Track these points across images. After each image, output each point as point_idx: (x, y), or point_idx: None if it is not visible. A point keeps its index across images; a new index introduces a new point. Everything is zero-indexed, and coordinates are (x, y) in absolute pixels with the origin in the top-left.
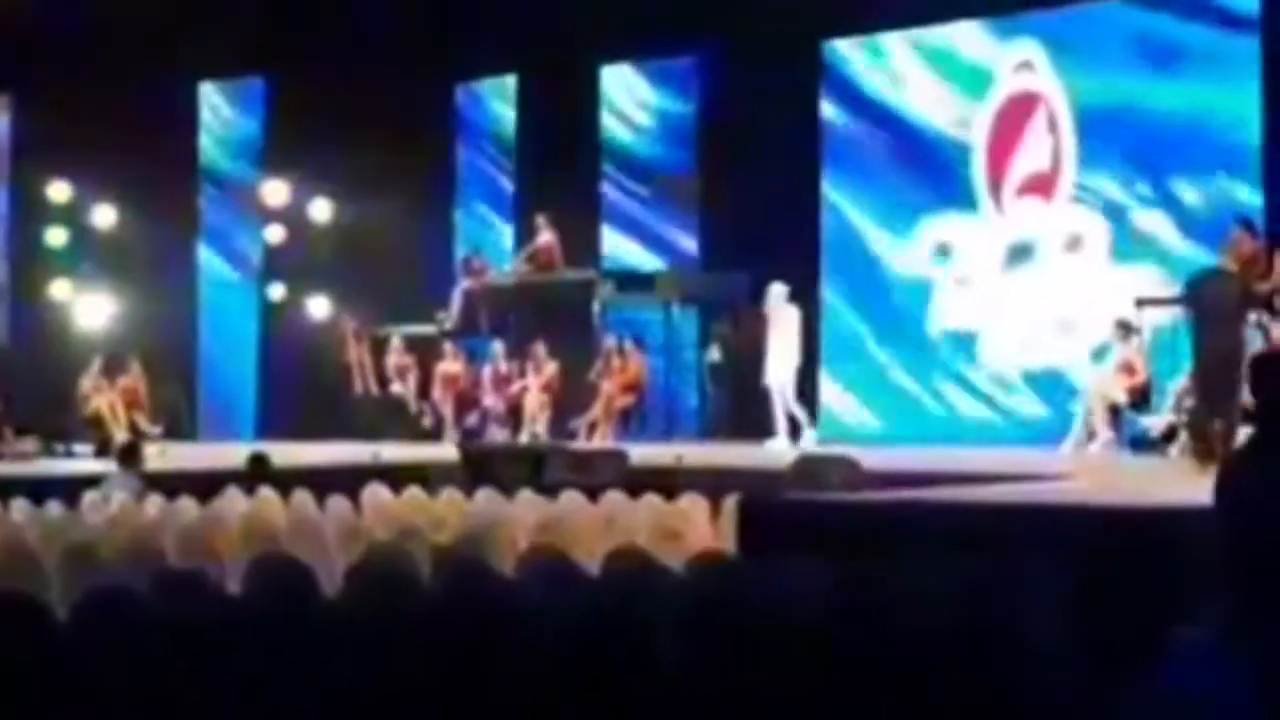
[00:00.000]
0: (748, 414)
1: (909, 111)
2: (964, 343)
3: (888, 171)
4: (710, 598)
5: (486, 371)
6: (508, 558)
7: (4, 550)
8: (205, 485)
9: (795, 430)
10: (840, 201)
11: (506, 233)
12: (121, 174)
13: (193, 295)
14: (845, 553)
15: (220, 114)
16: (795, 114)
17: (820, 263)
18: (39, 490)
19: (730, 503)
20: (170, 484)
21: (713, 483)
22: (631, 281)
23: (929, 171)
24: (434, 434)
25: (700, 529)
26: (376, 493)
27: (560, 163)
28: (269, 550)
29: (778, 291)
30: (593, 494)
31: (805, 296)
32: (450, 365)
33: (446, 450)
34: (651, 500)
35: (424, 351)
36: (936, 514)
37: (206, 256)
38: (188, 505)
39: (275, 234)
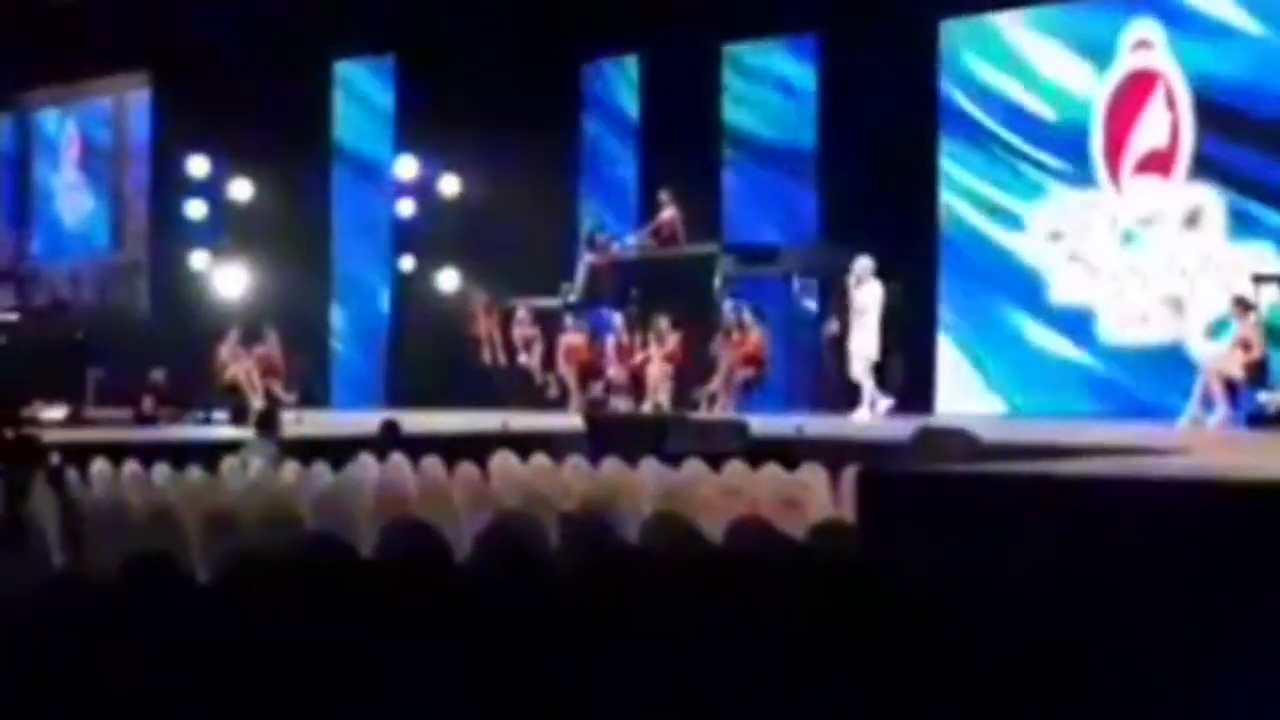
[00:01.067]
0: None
1: (1026, 90)
2: (1081, 319)
3: (1004, 149)
4: (832, 566)
5: (610, 343)
6: (632, 525)
7: (147, 514)
8: (339, 451)
9: (871, 402)
10: (957, 177)
11: (630, 208)
12: (258, 149)
13: (327, 266)
14: (963, 525)
15: (354, 91)
16: (913, 92)
17: (937, 239)
18: (180, 455)
19: (849, 473)
20: (306, 450)
21: (832, 453)
22: (753, 255)
23: (1046, 149)
24: (559, 403)
25: (820, 499)
26: (504, 460)
27: (682, 140)
28: (401, 515)
29: (863, 265)
30: (714, 463)
31: (921, 272)
32: (574, 337)
33: (571, 419)
34: (772, 470)
35: (549, 323)
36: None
37: (340, 229)
38: (323, 471)
39: (406, 208)
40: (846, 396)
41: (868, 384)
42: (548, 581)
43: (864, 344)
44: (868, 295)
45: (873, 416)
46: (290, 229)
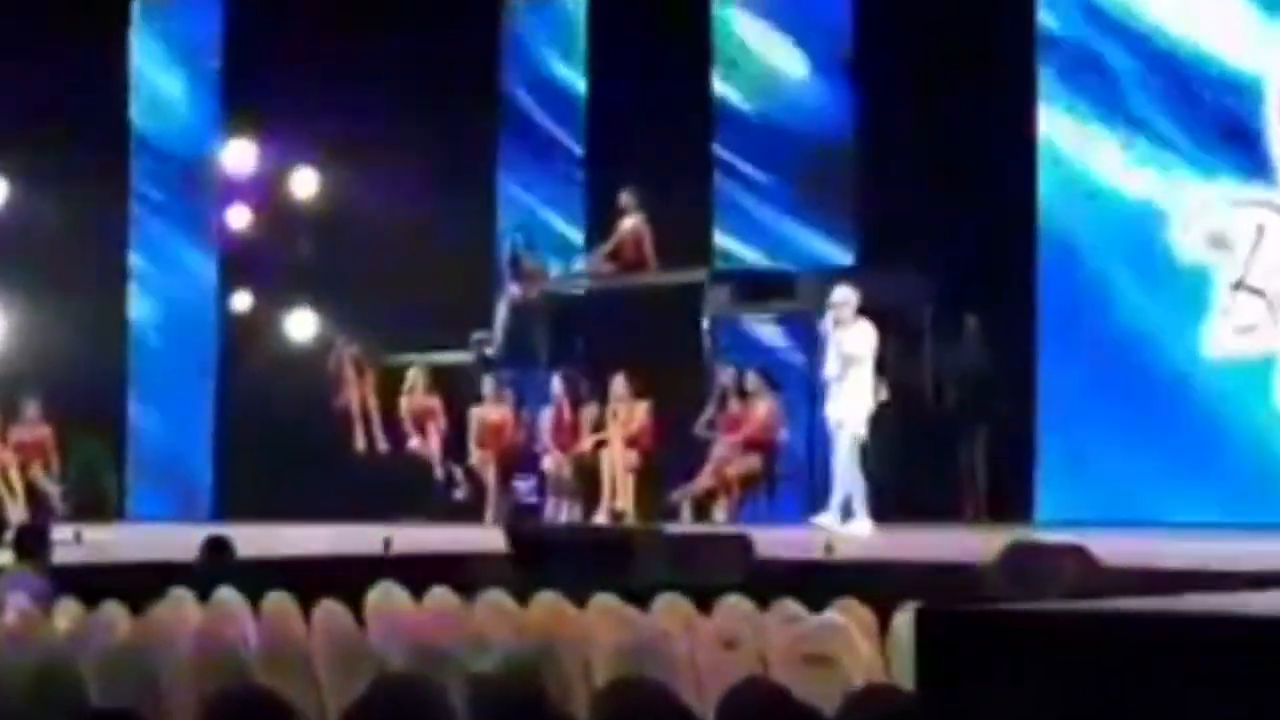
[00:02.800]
0: (931, 481)
1: (1169, 30)
2: (1251, 377)
3: (1138, 118)
4: None
5: (546, 419)
6: (579, 694)
7: None
8: (140, 586)
9: (846, 507)
10: (1066, 158)
11: (576, 216)
12: (18, 139)
13: (121, 307)
14: (1078, 688)
15: (157, 46)
16: (995, 33)
17: (1035, 260)
18: None
19: (905, 614)
20: (90, 584)
21: (880, 584)
22: (759, 286)
23: (1197, 119)
24: (470, 511)
25: (861, 652)
26: (388, 597)
27: (654, 119)
28: (232, 682)
29: (842, 296)
30: (704, 600)
31: (1012, 312)
32: (493, 410)
33: (489, 535)
34: (789, 609)
35: (455, 390)
36: (1208, 633)
37: (142, 251)
38: (115, 615)
39: (239, 218)
40: (902, 496)
41: (849, 477)
42: None
43: (848, 412)
44: (855, 341)
45: (843, 530)
46: (67, 251)
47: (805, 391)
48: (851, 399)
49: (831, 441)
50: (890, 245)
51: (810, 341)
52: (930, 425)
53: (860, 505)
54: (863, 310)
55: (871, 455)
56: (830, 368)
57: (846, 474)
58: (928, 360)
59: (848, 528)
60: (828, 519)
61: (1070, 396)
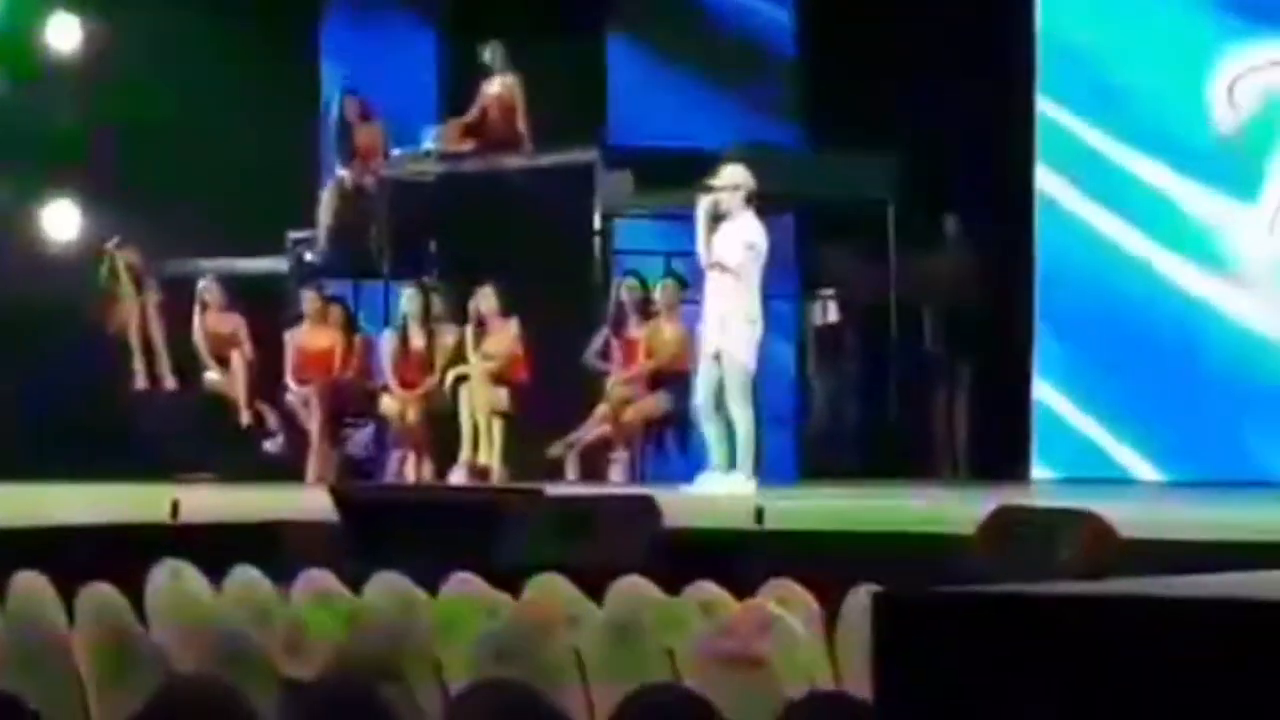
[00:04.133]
0: (896, 431)
1: None
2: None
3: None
4: None
5: (386, 346)
6: (428, 704)
7: None
8: None
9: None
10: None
11: (424, 77)
12: None
13: None
14: (1084, 692)
15: None
16: None
17: (1032, 141)
18: None
19: (859, 600)
20: None
21: (827, 562)
22: (669, 169)
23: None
24: (287, 466)
25: (801, 650)
26: (177, 579)
27: None
28: None
29: (729, 178)
30: (594, 583)
31: (1007, 222)
32: (317, 334)
33: (311, 497)
34: (707, 594)
35: (265, 308)
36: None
37: None
38: None
39: None
40: (851, 446)
41: (736, 416)
42: None
43: (728, 338)
44: (735, 242)
45: (723, 489)
46: None
47: None
48: (731, 320)
49: (707, 377)
50: (844, 120)
51: None
52: (896, 358)
53: (750, 457)
54: (800, 204)
55: (817, 394)
56: (708, 279)
57: (739, 418)
58: (892, 273)
59: (725, 484)
60: (713, 479)
61: (1076, 322)
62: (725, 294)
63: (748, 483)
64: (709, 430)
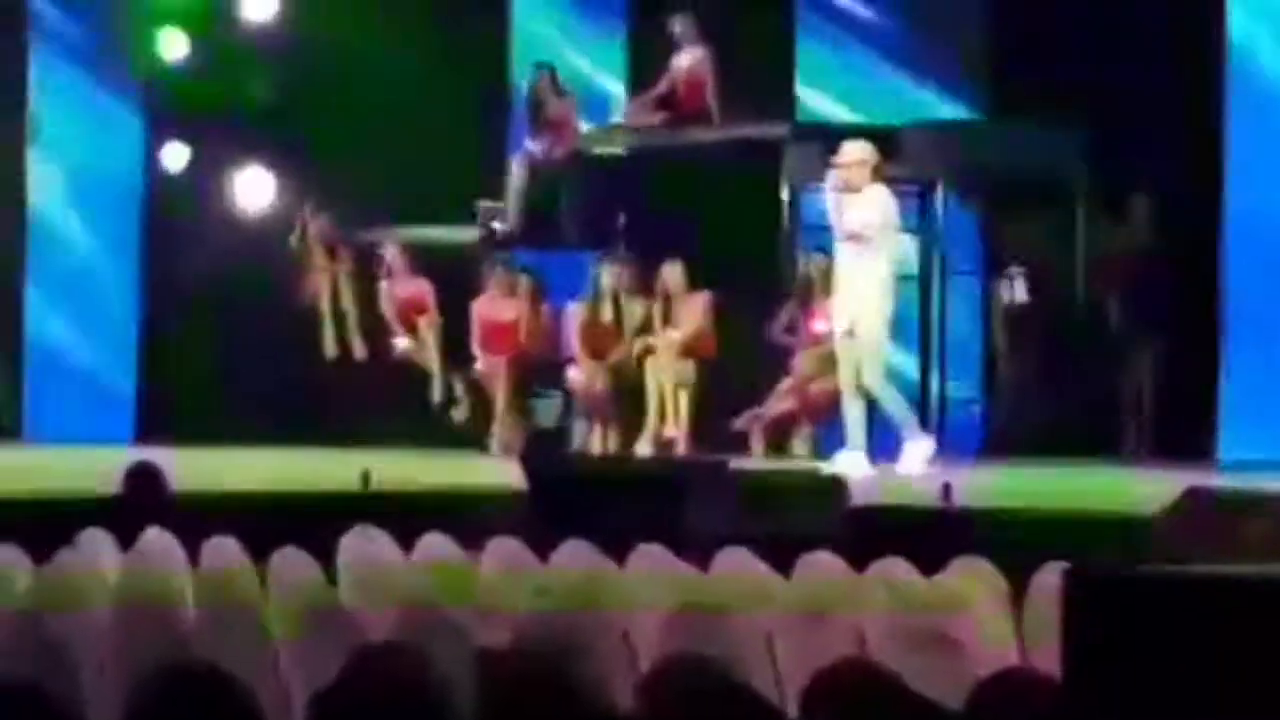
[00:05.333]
0: (1083, 409)
1: None
2: None
3: None
4: None
5: (574, 317)
6: (618, 676)
7: None
8: (43, 527)
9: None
10: None
11: (612, 47)
12: None
13: (15, 171)
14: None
15: None
16: None
17: (1224, 117)
18: None
19: (1049, 579)
20: None
21: (1015, 540)
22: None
23: None
24: (474, 434)
25: (989, 626)
26: (368, 546)
27: None
28: (165, 655)
29: (853, 154)
30: (782, 557)
31: (1193, 189)
32: (504, 304)
33: (499, 467)
34: (896, 571)
35: (452, 277)
36: None
37: (41, 84)
38: (12, 565)
39: (174, 44)
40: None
41: (885, 398)
42: None
43: (862, 313)
44: (867, 215)
45: (905, 463)
46: None
47: (917, 283)
48: (866, 293)
49: (839, 355)
50: (1030, 95)
51: (927, 218)
52: (1083, 336)
53: (912, 424)
54: (990, 181)
55: (1004, 372)
56: (838, 252)
57: (881, 392)
58: (1080, 252)
59: (900, 464)
60: (851, 459)
61: (1268, 300)
62: (858, 269)
63: (927, 445)
64: (850, 409)
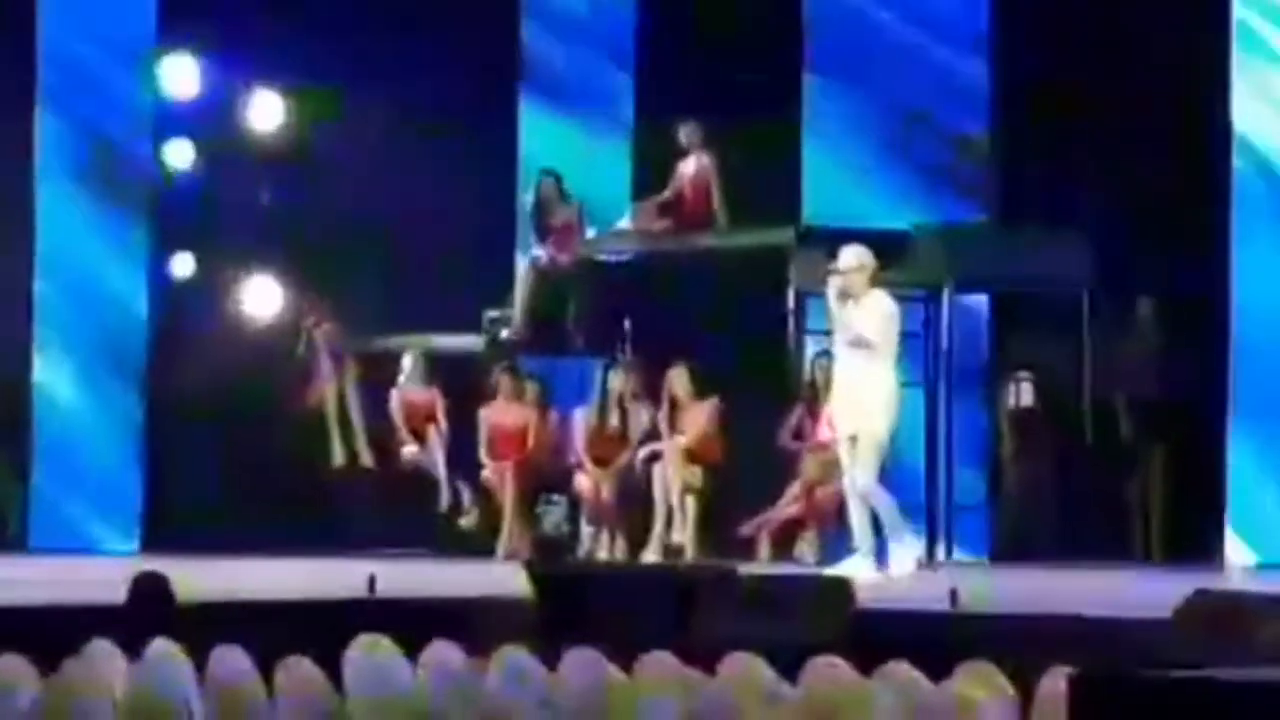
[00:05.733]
0: (1091, 512)
1: None
2: None
3: None
4: None
5: (581, 423)
6: None
7: None
8: (50, 636)
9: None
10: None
11: (619, 154)
12: None
13: (21, 274)
14: None
15: None
16: None
17: (1229, 224)
18: None
19: (1055, 683)
20: None
21: (1022, 644)
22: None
23: None
24: (482, 542)
25: None
26: (375, 653)
27: (724, 29)
28: None
29: (850, 260)
30: (789, 662)
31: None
32: (512, 411)
33: (506, 573)
34: (902, 676)
35: (462, 385)
36: None
37: (48, 194)
38: (18, 674)
39: (179, 155)
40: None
41: (877, 502)
42: None
43: (864, 418)
44: (869, 320)
45: (886, 570)
46: None
47: (925, 388)
48: (867, 399)
49: (842, 461)
50: (1037, 201)
51: (934, 323)
52: (1090, 440)
53: (903, 529)
54: (996, 287)
55: (1011, 476)
56: (838, 359)
57: (877, 497)
58: (1086, 355)
59: (890, 568)
60: (856, 564)
61: (1274, 405)
62: (859, 375)
63: (916, 549)
64: (855, 514)
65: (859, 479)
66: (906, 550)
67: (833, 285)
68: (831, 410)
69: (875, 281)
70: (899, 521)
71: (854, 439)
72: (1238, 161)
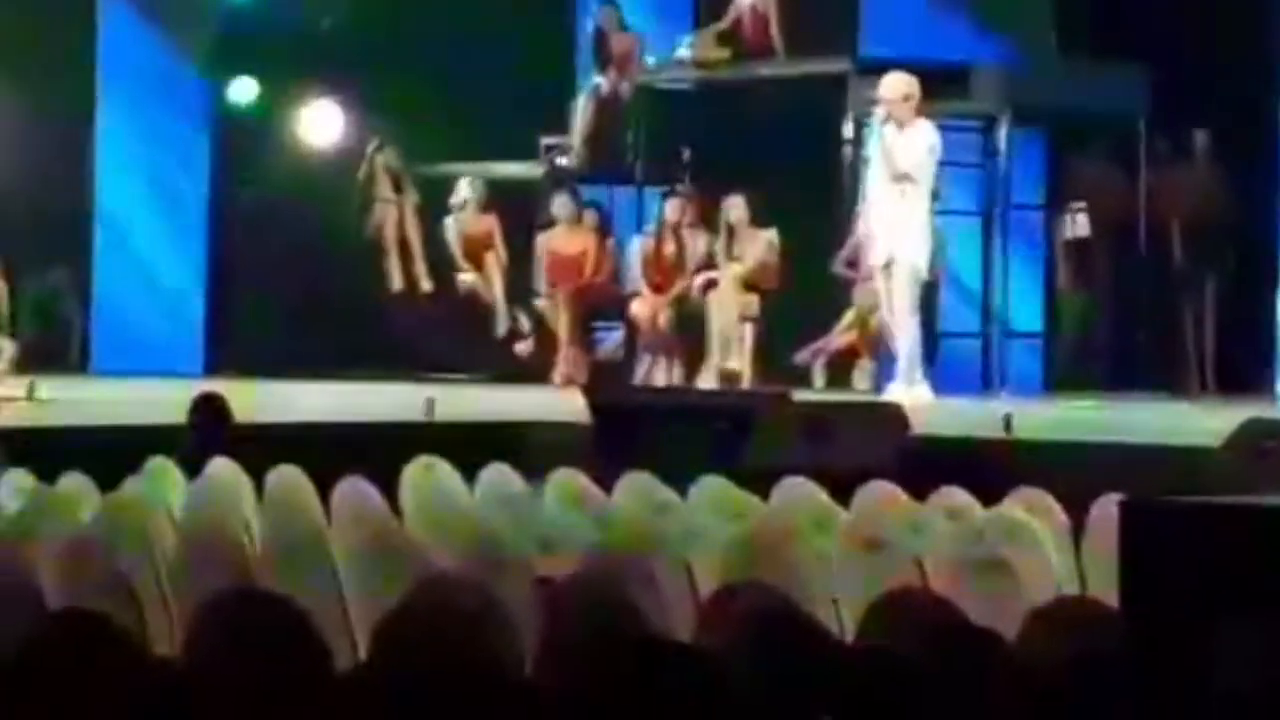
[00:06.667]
0: (1144, 344)
1: None
2: None
3: None
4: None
5: (638, 250)
6: (678, 605)
7: None
8: (110, 456)
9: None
10: None
11: None
12: None
13: (82, 92)
14: None
15: None
16: None
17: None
18: None
19: (1107, 509)
20: (46, 452)
21: (1074, 471)
22: (921, 80)
23: None
24: (538, 367)
25: (1048, 556)
26: (432, 476)
27: None
28: (230, 583)
29: (895, 88)
30: (842, 487)
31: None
32: (569, 238)
33: (562, 397)
34: (955, 501)
35: (518, 211)
36: None
37: (110, 29)
38: (79, 493)
39: None
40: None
41: (903, 335)
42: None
43: (902, 246)
44: (911, 151)
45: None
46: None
47: (980, 218)
48: (906, 228)
49: (880, 289)
50: (1093, 29)
51: (989, 155)
52: (1144, 272)
53: (916, 368)
54: (1051, 117)
55: (1065, 307)
56: (877, 186)
57: (904, 327)
58: (1141, 188)
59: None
60: (899, 389)
61: None
62: (899, 202)
63: (918, 393)
64: (896, 342)
65: (895, 307)
66: (910, 392)
67: (879, 113)
68: (866, 238)
69: (921, 110)
70: (916, 361)
71: (889, 267)
72: None
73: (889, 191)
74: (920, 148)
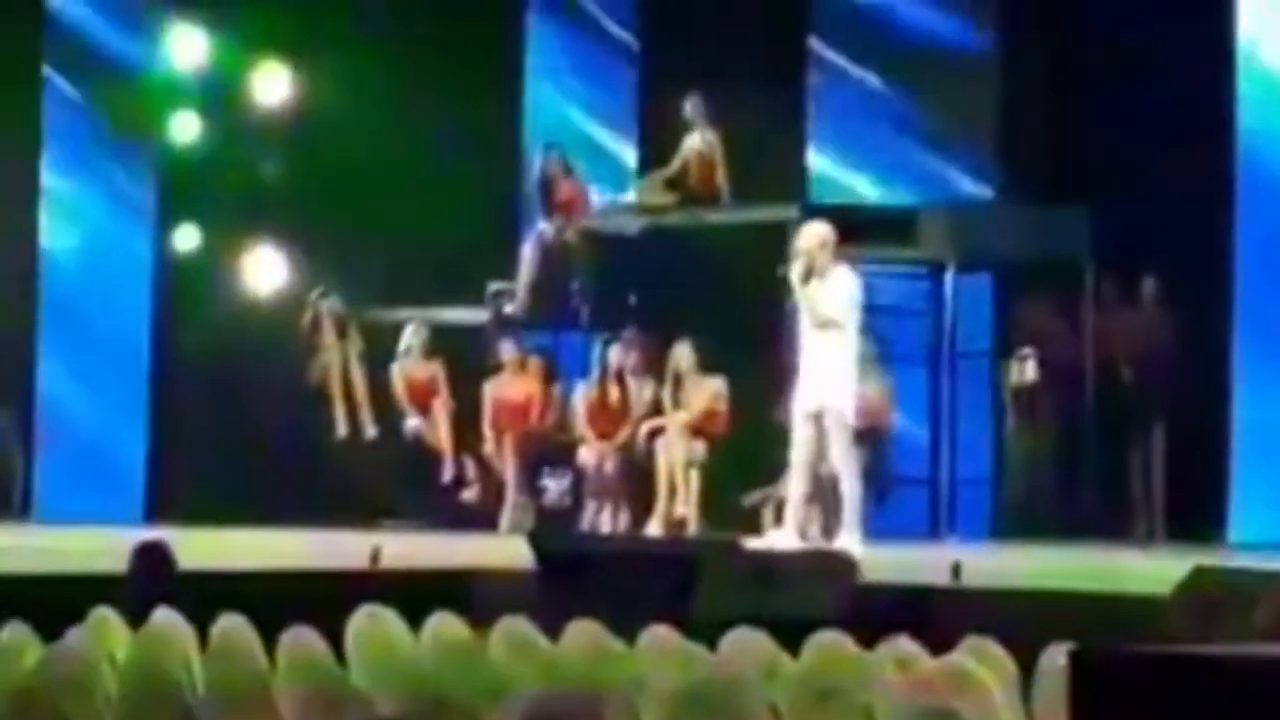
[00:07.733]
0: (1093, 491)
1: None
2: None
3: None
4: None
5: (582, 394)
6: None
7: None
8: (53, 605)
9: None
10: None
11: (625, 130)
12: None
13: (28, 240)
14: None
15: None
16: None
17: (1233, 200)
18: None
19: (1055, 658)
20: None
21: (1023, 620)
22: (867, 225)
23: None
24: (484, 515)
25: (997, 706)
26: (377, 625)
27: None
28: None
29: (813, 238)
30: (791, 637)
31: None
32: (515, 384)
33: (508, 546)
34: (904, 650)
35: (464, 358)
36: None
37: (55, 178)
38: (21, 643)
39: (185, 129)
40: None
41: (846, 482)
42: None
43: (828, 395)
44: (833, 298)
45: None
46: None
47: (928, 364)
48: (832, 375)
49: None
50: (1042, 176)
51: (937, 299)
52: (1092, 418)
53: (853, 514)
54: (998, 263)
55: (1013, 453)
56: (802, 335)
57: (845, 474)
58: (1089, 333)
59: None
60: (783, 537)
61: (1276, 383)
62: (826, 351)
63: (858, 544)
64: (795, 489)
65: (835, 455)
66: (856, 541)
67: (796, 265)
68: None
69: (837, 256)
70: (855, 509)
71: (816, 415)
72: (1241, 139)
73: (813, 340)
74: (841, 294)
